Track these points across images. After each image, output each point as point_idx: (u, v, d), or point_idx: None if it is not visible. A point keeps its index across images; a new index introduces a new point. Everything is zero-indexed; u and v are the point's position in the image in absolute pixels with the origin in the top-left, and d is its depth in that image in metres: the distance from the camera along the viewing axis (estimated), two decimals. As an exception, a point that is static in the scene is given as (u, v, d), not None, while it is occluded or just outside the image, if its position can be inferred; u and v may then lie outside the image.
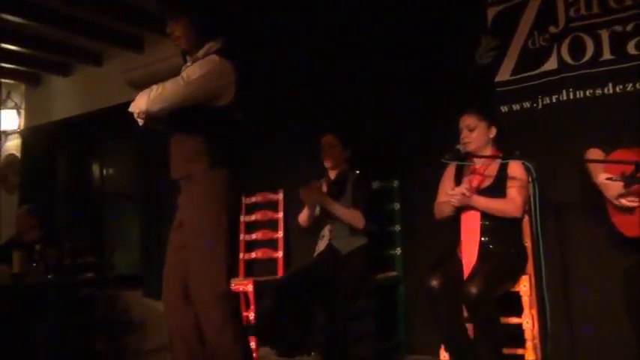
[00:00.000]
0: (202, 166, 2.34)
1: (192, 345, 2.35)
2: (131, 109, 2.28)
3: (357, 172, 3.49)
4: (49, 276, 4.22)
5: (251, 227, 4.27)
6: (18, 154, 6.23)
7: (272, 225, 4.18)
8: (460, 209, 2.84)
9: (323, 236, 3.44)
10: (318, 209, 3.47)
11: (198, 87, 2.30)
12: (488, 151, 2.91)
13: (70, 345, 4.22)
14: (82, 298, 4.59)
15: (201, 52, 2.40)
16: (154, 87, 2.27)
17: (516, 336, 2.78)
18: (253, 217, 4.26)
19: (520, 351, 2.79)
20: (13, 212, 5.95)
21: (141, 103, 2.25)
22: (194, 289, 2.30)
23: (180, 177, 2.41)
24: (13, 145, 6.33)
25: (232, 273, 2.36)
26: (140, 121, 2.30)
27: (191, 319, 2.33)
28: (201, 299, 2.28)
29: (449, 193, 2.82)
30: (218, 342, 2.26)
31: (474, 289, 2.49)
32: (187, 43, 2.43)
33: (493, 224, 2.78)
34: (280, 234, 4.11)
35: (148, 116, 2.26)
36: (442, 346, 2.83)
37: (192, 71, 2.31)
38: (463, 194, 2.75)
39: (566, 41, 3.12)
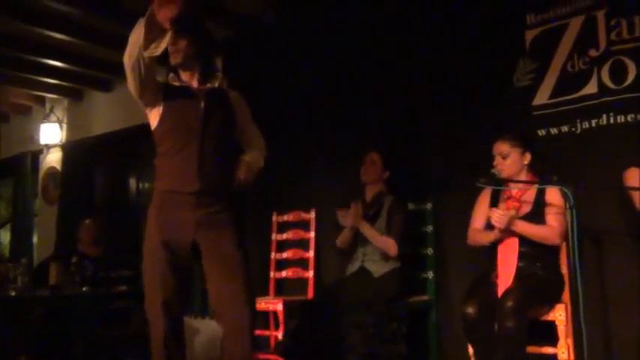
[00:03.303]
0: None
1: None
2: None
3: (393, 197, 3.46)
4: (84, 288, 4.29)
5: (282, 246, 4.28)
6: (59, 167, 6.40)
7: (303, 244, 4.17)
8: (497, 241, 2.79)
9: (355, 258, 3.42)
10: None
11: None
12: (523, 177, 2.85)
13: (103, 357, 4.27)
14: (115, 311, 4.64)
15: (216, 82, 2.53)
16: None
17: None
18: (284, 236, 4.26)
19: (554, 382, 2.72)
20: (52, 222, 6.11)
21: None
22: None
23: None
24: (55, 158, 6.51)
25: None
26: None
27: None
28: None
29: (494, 211, 2.73)
30: None
31: (509, 302, 2.48)
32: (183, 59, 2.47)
33: (531, 251, 2.73)
34: (311, 254, 4.10)
35: None
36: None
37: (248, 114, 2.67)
38: (509, 215, 2.69)
39: (607, 65, 3.06)
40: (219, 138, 2.48)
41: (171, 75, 2.52)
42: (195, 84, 2.50)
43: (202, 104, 2.46)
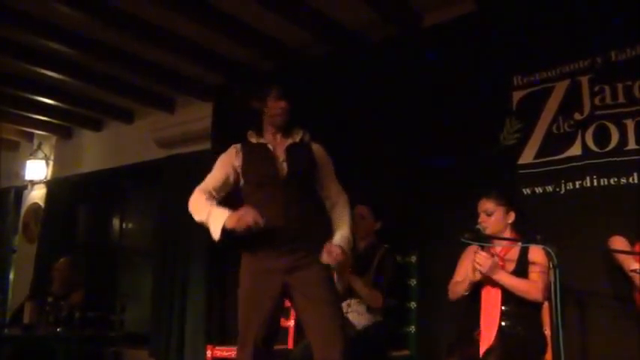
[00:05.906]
0: None
1: None
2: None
3: (386, 246, 3.45)
4: (58, 329, 4.19)
5: (264, 293, 4.21)
6: (42, 204, 6.32)
7: (286, 292, 4.11)
8: (477, 287, 2.77)
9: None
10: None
11: None
12: (507, 235, 2.87)
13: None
14: (88, 353, 4.52)
15: (297, 137, 2.65)
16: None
17: None
18: (267, 283, 4.20)
19: None
20: (30, 260, 6.00)
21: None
22: None
23: None
24: (39, 194, 6.44)
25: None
26: None
27: None
28: None
29: (480, 253, 2.73)
30: None
31: None
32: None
33: (513, 309, 2.71)
34: (293, 302, 4.04)
35: None
36: None
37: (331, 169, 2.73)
38: (493, 260, 2.69)
39: (591, 128, 3.14)
40: (302, 189, 2.58)
41: (250, 131, 2.64)
42: (277, 139, 2.64)
43: (284, 159, 2.57)
